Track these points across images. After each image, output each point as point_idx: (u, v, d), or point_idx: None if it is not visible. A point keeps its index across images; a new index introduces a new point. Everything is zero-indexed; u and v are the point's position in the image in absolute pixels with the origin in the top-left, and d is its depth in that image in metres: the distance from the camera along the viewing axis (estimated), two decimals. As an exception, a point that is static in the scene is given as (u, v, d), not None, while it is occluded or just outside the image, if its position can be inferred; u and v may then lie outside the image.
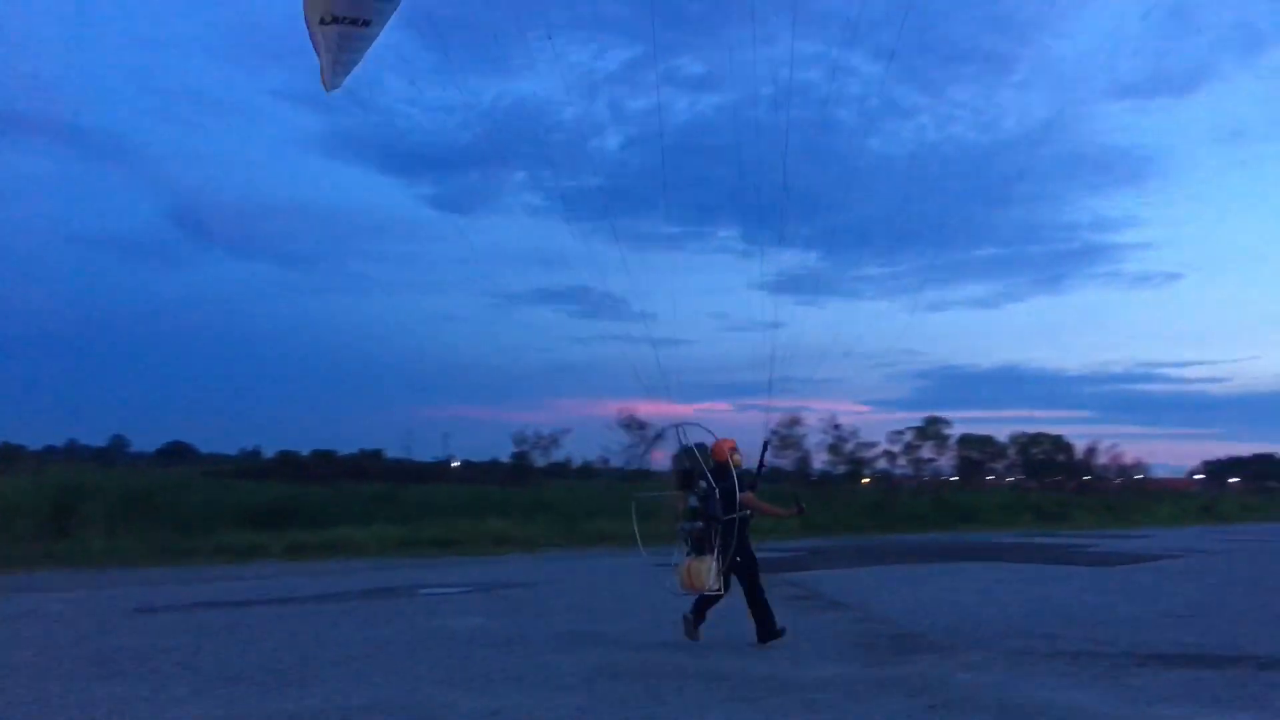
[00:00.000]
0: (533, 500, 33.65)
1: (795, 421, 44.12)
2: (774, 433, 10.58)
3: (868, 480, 51.08)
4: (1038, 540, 31.20)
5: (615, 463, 49.17)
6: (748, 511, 10.32)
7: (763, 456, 11.01)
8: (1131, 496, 55.87)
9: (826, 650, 10.38)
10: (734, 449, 10.26)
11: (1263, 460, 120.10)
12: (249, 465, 59.75)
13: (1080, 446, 66.41)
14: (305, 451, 61.33)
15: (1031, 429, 79.91)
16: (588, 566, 20.37)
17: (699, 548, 10.10)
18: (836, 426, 44.17)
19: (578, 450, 61.94)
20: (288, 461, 56.81)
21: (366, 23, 8.55)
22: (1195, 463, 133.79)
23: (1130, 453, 79.48)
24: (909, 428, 57.25)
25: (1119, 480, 62.93)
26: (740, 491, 10.15)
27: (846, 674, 9.16)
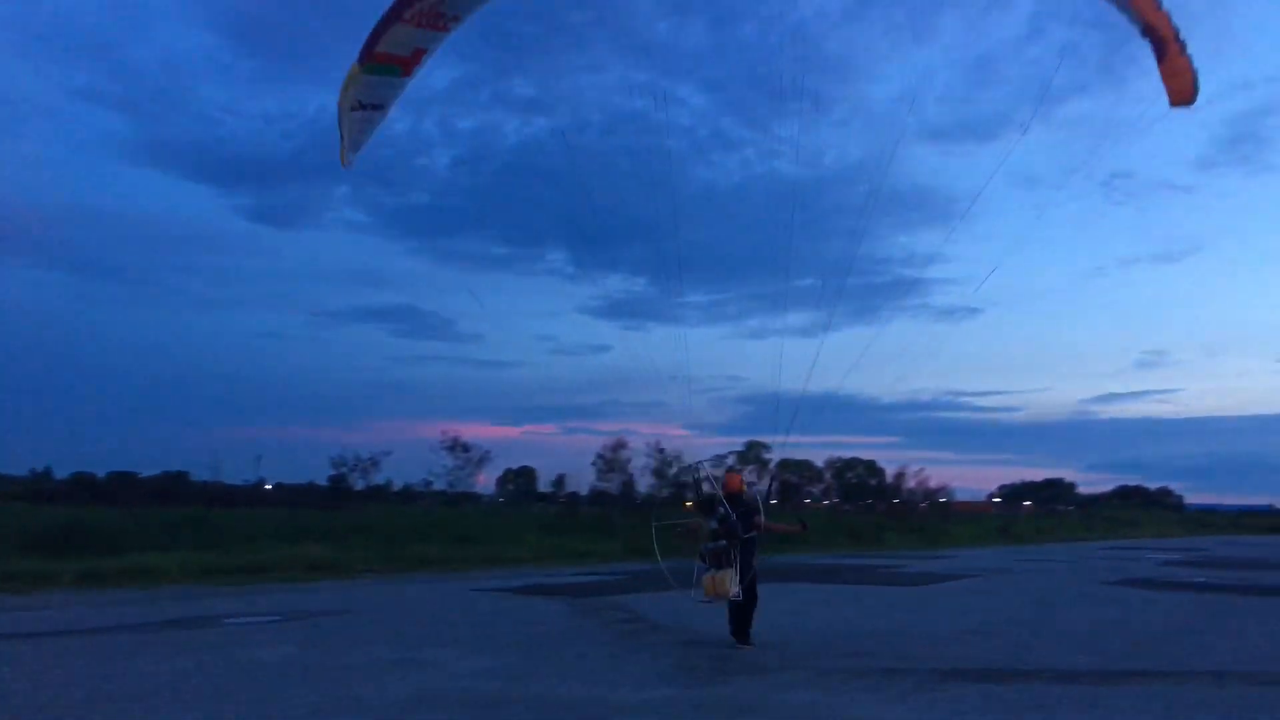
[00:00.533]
0: (350, 524, 32.58)
1: (620, 445, 44.45)
2: (703, 463, 13.03)
3: (690, 504, 51.86)
4: (851, 562, 32.36)
5: (438, 485, 48.29)
6: (755, 532, 12.03)
7: (771, 487, 13.01)
8: (937, 519, 58.72)
9: (647, 673, 10.44)
10: (743, 480, 12.35)
11: (1052, 484, 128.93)
12: (39, 487, 55.69)
13: (891, 471, 69.65)
14: (102, 473, 57.69)
15: (846, 454, 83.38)
16: (407, 593, 19.88)
17: (718, 563, 11.72)
18: (660, 450, 44.67)
19: (399, 473, 60.54)
20: (82, 483, 53.30)
21: (382, 107, 10.47)
22: (993, 487, 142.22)
23: (936, 477, 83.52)
24: (732, 451, 58.59)
25: (925, 503, 66.06)
26: (750, 517, 11.90)
27: (666, 696, 9.23)
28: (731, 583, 11.74)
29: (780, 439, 11.80)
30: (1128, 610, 17.44)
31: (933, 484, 66.75)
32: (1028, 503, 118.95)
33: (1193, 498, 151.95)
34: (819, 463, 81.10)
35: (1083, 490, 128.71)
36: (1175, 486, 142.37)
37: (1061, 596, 20.16)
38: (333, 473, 45.99)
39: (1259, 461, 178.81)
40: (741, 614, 12.20)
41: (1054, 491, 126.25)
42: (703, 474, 12.30)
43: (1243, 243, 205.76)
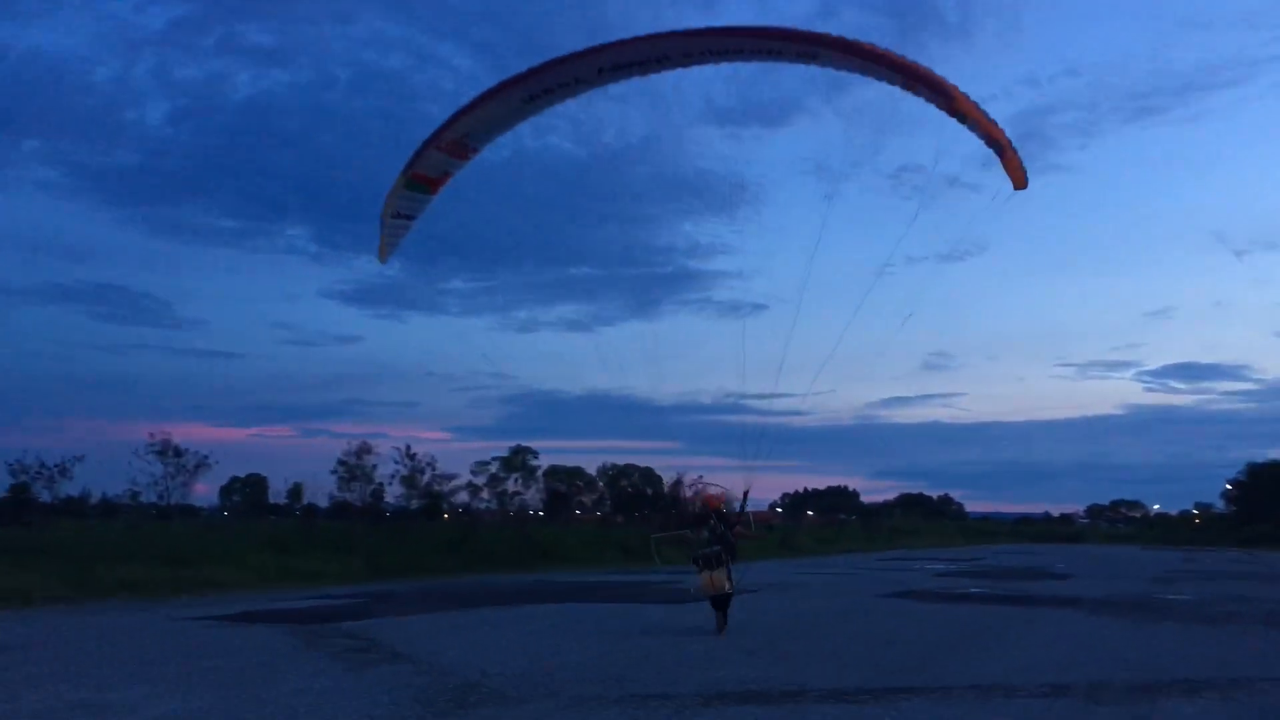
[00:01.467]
0: (34, 543, 30.29)
1: (365, 450, 43.39)
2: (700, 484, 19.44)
3: (447, 515, 51.28)
4: (622, 579, 32.82)
5: (147, 497, 45.65)
6: (735, 539, 16.57)
7: (744, 502, 16.61)
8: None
9: (377, 708, 10.16)
10: (721, 499, 17.23)
11: (836, 493, 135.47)
12: None
13: (669, 479, 71.08)
14: None
15: (621, 460, 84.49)
16: (100, 623, 18.62)
17: (711, 564, 16.07)
18: (412, 456, 43.88)
19: (97, 482, 56.68)
20: None
21: (412, 218, 14.35)
22: (776, 495, 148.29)
23: (721, 483, 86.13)
24: (494, 458, 58.41)
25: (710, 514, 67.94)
26: (730, 527, 16.40)
27: (398, 735, 8.99)
28: (725, 580, 16.25)
29: (752, 463, 15.26)
30: (902, 624, 18.48)
31: (716, 491, 68.73)
32: (810, 512, 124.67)
33: (974, 505, 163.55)
34: (591, 470, 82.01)
35: (866, 499, 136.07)
36: (957, 494, 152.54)
37: (837, 611, 21.16)
38: (12, 482, 42.56)
39: (1037, 468, 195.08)
40: (725, 604, 16.64)
41: (837, 500, 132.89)
42: (697, 492, 16.94)
43: (1025, 244, 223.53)
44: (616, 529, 60.00)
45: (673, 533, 19.15)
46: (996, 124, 13.63)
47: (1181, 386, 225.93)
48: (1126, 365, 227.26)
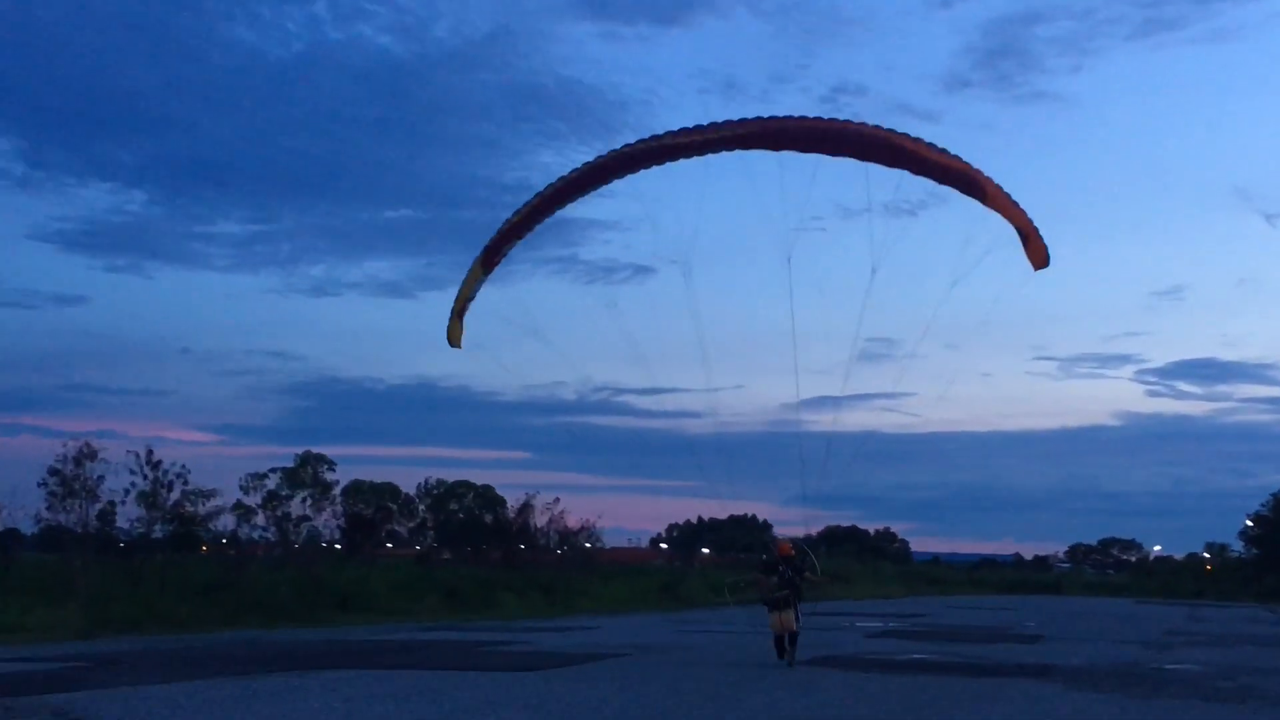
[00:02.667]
0: None
1: (89, 455, 42.12)
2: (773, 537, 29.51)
3: (205, 548, 50.25)
4: (442, 635, 32.61)
5: None
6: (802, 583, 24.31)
7: (807, 550, 24.53)
8: (577, 572, 60.48)
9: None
10: (790, 547, 24.71)
11: (740, 524, 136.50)
12: None
13: (514, 502, 70.87)
14: None
15: (450, 475, 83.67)
16: None
17: (780, 606, 23.65)
18: (156, 464, 42.76)
19: None
20: None
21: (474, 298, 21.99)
22: (661, 527, 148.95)
23: (578, 511, 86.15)
24: (274, 469, 57.38)
25: (562, 550, 67.84)
26: (799, 573, 24.11)
27: None
28: (795, 620, 24.02)
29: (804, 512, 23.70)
30: (820, 702, 18.71)
31: (573, 522, 68.62)
32: (706, 550, 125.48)
33: (922, 544, 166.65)
34: (408, 487, 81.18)
35: (781, 532, 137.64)
36: (900, 528, 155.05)
37: (733, 683, 21.33)
38: None
39: (1004, 495, 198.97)
40: (794, 641, 24.27)
41: (742, 534, 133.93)
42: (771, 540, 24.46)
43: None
44: (442, 568, 59.77)
45: (747, 577, 27.09)
46: (1024, 212, 20.60)
47: (1194, 390, 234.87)
48: (1124, 361, 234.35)
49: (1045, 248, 21.00)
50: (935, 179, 19.60)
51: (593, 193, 21.66)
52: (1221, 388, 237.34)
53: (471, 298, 22.58)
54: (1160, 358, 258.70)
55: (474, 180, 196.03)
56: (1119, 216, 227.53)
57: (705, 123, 19.71)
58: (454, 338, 23.09)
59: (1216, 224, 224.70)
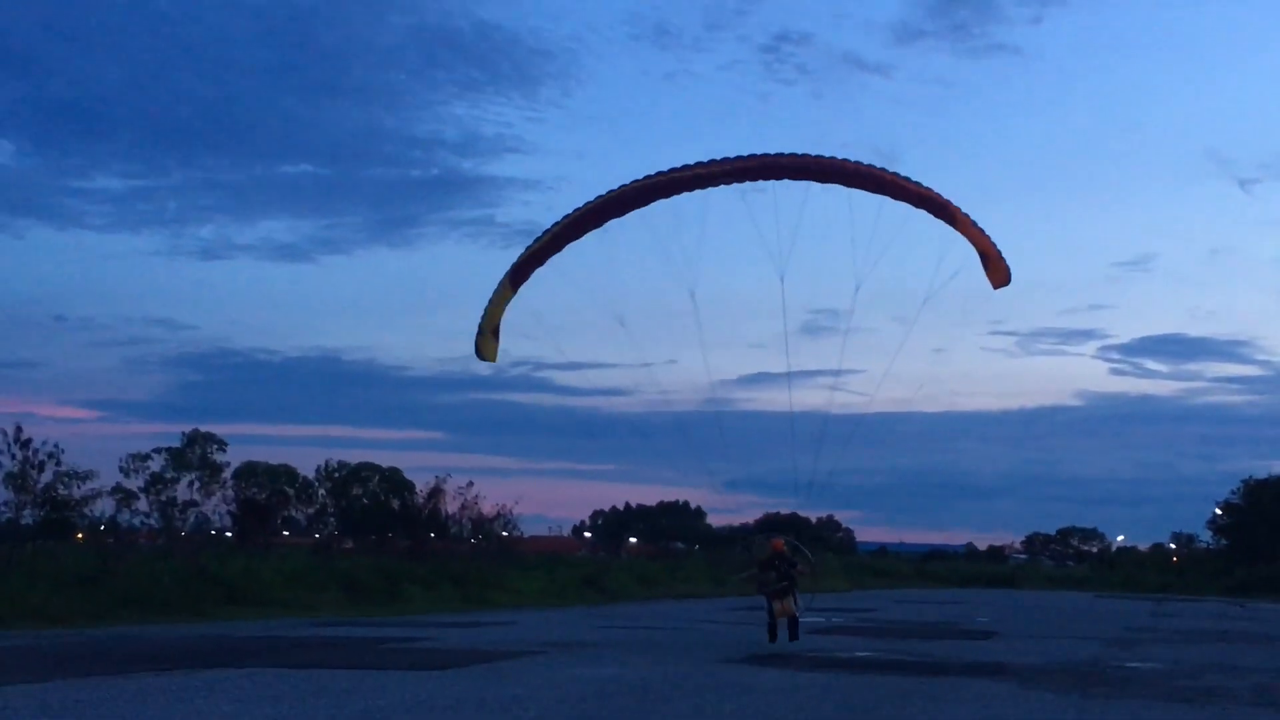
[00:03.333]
0: None
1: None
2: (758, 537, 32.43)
3: (81, 536, 49.64)
4: (343, 632, 32.35)
5: None
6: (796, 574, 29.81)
7: (799, 547, 30.43)
8: (492, 564, 60.28)
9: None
10: (783, 544, 29.54)
11: (671, 511, 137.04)
12: None
13: (424, 486, 70.54)
14: None
15: (353, 457, 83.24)
16: None
17: (780, 595, 28.92)
18: (25, 443, 42.14)
19: None
20: None
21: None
22: (584, 514, 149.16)
23: (495, 497, 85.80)
24: (158, 449, 56.82)
25: (476, 539, 67.63)
26: (793, 567, 29.48)
27: None
28: (795, 606, 29.01)
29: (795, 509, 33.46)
30: (752, 704, 18.63)
31: (488, 508, 68.46)
32: (634, 539, 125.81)
33: (867, 533, 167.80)
34: (307, 470, 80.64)
35: (715, 520, 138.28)
36: (844, 517, 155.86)
37: (659, 683, 21.23)
38: None
39: (957, 480, 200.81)
40: (795, 623, 29.24)
41: (673, 521, 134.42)
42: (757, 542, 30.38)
43: (952, 156, 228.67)
44: (343, 558, 59.39)
45: (748, 574, 31.59)
46: (988, 236, 26.37)
47: (1160, 369, 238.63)
48: (1087, 336, 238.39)
49: (1007, 268, 26.80)
50: (911, 204, 25.92)
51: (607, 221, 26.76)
52: (1191, 366, 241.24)
53: (501, 315, 27.29)
54: (1126, 333, 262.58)
55: (381, 133, 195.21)
56: (1083, 180, 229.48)
57: (705, 159, 25.90)
58: (490, 353, 27.85)
59: (1188, 190, 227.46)
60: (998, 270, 26.48)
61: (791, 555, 29.74)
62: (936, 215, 25.85)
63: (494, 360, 27.90)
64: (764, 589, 29.61)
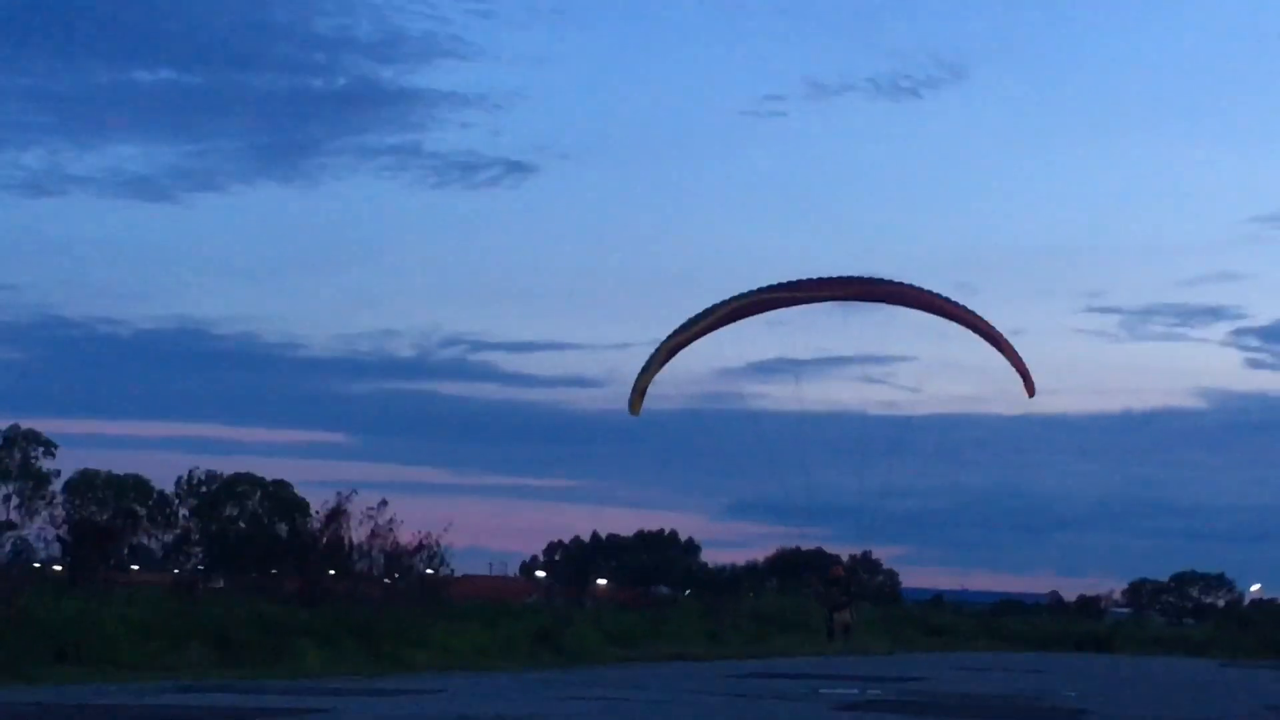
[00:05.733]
0: None
1: None
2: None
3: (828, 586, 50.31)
4: (210, 700, 32.37)
5: None
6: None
7: (855, 568, 69.68)
8: (414, 612, 60.05)
9: None
10: (841, 569, 47.02)
11: (653, 543, 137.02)
12: None
13: (321, 506, 70.37)
14: None
15: (226, 466, 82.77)
16: None
17: (840, 608, 45.52)
18: None
19: None
20: None
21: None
22: (540, 546, 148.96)
23: (417, 522, 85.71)
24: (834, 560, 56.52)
25: (392, 579, 67.50)
26: (850, 587, 49.22)
27: None
28: (851, 618, 44.83)
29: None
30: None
31: (408, 537, 68.33)
32: (603, 581, 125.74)
33: (916, 577, 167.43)
34: (165, 483, 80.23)
35: (712, 556, 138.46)
36: (884, 555, 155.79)
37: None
38: None
39: (1036, 509, 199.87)
40: (848, 630, 44.60)
41: (656, 557, 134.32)
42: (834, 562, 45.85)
43: (1038, 72, 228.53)
44: (212, 603, 59.25)
45: (831, 602, 44.46)
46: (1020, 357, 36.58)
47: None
48: (1214, 315, 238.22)
49: (1033, 384, 36.90)
50: (963, 325, 35.34)
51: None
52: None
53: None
54: (1265, 312, 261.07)
55: (269, 29, 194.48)
56: (1210, 113, 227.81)
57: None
58: (635, 408, 36.36)
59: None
60: (1028, 385, 36.70)
61: (848, 577, 44.19)
62: (984, 337, 35.91)
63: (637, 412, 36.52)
64: (827, 603, 44.99)
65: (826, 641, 49.52)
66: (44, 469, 57.13)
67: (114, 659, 42.37)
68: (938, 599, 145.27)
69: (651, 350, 35.74)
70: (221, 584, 72.29)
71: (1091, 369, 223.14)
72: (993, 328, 35.65)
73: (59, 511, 58.95)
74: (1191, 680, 59.73)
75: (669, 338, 35.18)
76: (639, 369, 36.04)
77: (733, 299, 34.66)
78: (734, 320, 34.92)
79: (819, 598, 50.31)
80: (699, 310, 34.98)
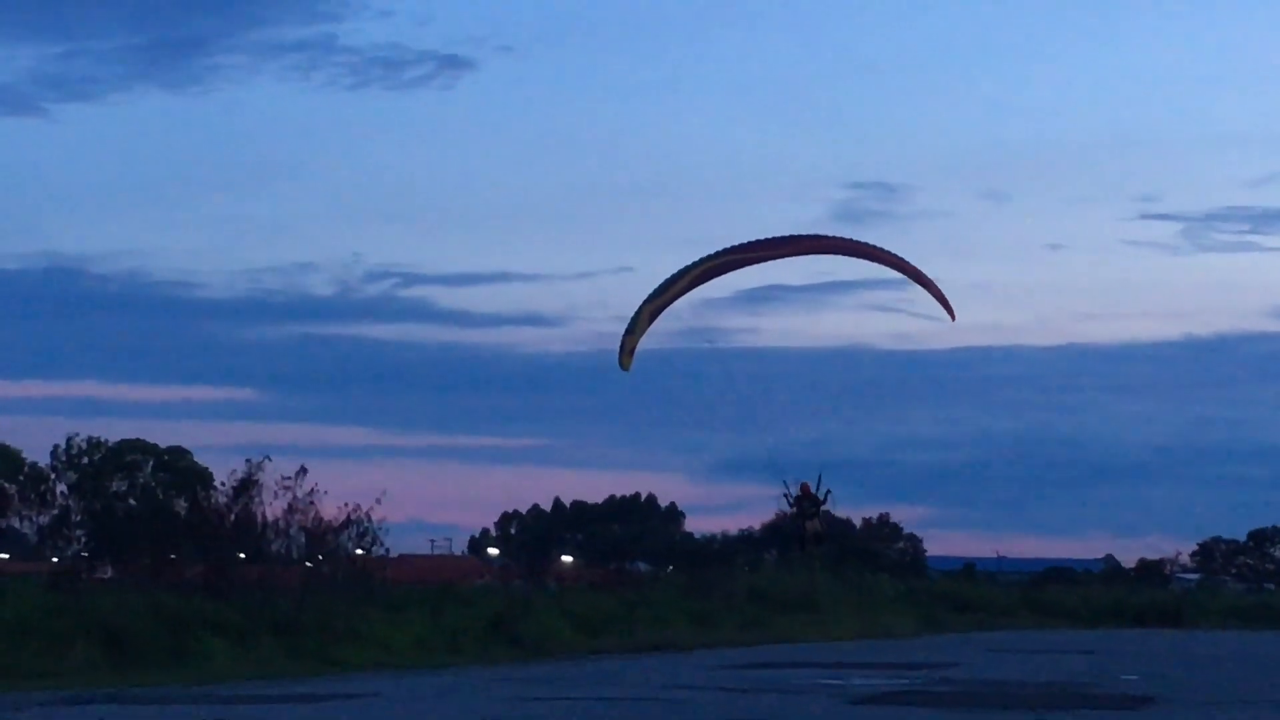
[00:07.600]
0: None
1: None
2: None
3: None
4: (100, 711, 32.41)
5: None
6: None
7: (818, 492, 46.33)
8: (342, 600, 60.00)
9: None
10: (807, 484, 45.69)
11: (627, 509, 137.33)
12: None
13: (227, 477, 70.31)
14: None
15: (111, 431, 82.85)
16: None
17: (810, 518, 47.37)
18: None
19: None
20: None
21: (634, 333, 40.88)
22: (493, 518, 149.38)
23: (346, 493, 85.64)
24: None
25: (315, 562, 67.51)
26: (817, 502, 47.56)
27: None
28: (820, 526, 46.82)
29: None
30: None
31: (334, 512, 68.25)
32: (569, 558, 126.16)
33: (943, 544, 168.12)
34: (39, 456, 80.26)
35: (698, 524, 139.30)
36: (903, 517, 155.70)
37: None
38: None
39: (1085, 458, 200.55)
40: (818, 539, 48.23)
41: (632, 526, 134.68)
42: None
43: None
44: (100, 594, 59.26)
45: (800, 511, 44.57)
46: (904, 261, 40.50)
47: None
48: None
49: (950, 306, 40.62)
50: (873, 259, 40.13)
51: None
52: None
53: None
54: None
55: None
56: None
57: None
58: (629, 362, 39.49)
59: None
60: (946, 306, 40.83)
61: (817, 493, 43.39)
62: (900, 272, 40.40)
63: (626, 366, 39.56)
64: (798, 512, 45.17)
65: (799, 551, 60.85)
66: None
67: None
68: (969, 569, 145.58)
69: (632, 313, 38.26)
70: (110, 573, 72.29)
71: (1146, 288, 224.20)
72: (905, 261, 39.51)
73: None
74: (1276, 657, 59.98)
75: (647, 300, 38.21)
76: (623, 330, 38.52)
77: (704, 259, 38.02)
78: (708, 280, 38.35)
79: (791, 505, 47.46)
80: (671, 273, 37.79)
